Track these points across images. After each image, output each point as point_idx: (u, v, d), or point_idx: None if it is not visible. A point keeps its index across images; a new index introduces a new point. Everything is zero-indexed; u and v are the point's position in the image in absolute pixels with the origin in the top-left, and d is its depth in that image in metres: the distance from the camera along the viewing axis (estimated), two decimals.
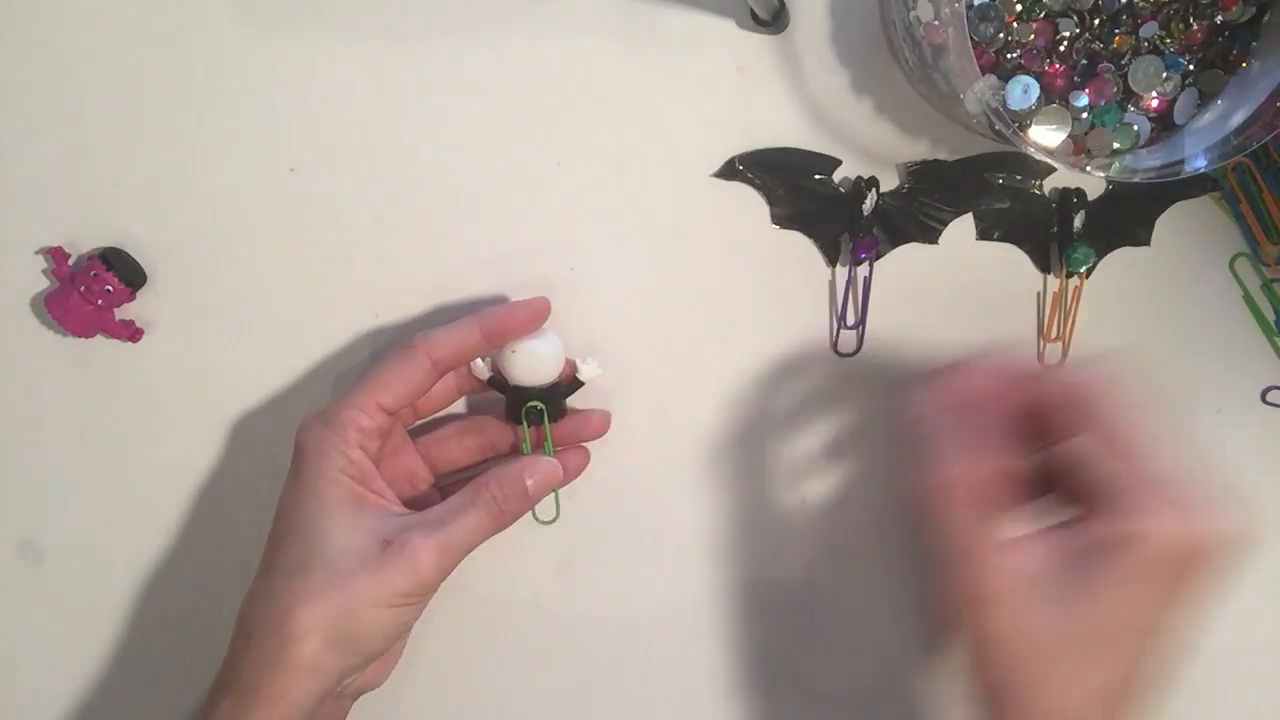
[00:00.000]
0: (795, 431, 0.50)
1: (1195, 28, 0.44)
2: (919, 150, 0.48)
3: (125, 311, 0.49)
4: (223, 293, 0.49)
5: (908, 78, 0.47)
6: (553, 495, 0.47)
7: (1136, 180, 0.43)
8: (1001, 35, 0.44)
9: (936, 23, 0.42)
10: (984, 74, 0.44)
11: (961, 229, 0.49)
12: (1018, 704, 0.36)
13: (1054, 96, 0.44)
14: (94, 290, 0.47)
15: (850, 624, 0.51)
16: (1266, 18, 0.44)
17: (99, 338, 0.49)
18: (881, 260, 0.49)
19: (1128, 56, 0.44)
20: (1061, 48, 0.44)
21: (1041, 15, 0.44)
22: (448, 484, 0.48)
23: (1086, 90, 0.44)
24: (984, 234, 0.49)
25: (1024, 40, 0.44)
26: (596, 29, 0.48)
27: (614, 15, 0.48)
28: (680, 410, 0.50)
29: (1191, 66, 0.45)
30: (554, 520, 0.48)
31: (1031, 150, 0.41)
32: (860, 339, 0.49)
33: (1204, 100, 0.45)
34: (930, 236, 0.49)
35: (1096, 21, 0.44)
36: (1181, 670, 0.38)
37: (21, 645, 0.51)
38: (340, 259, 0.49)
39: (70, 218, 0.49)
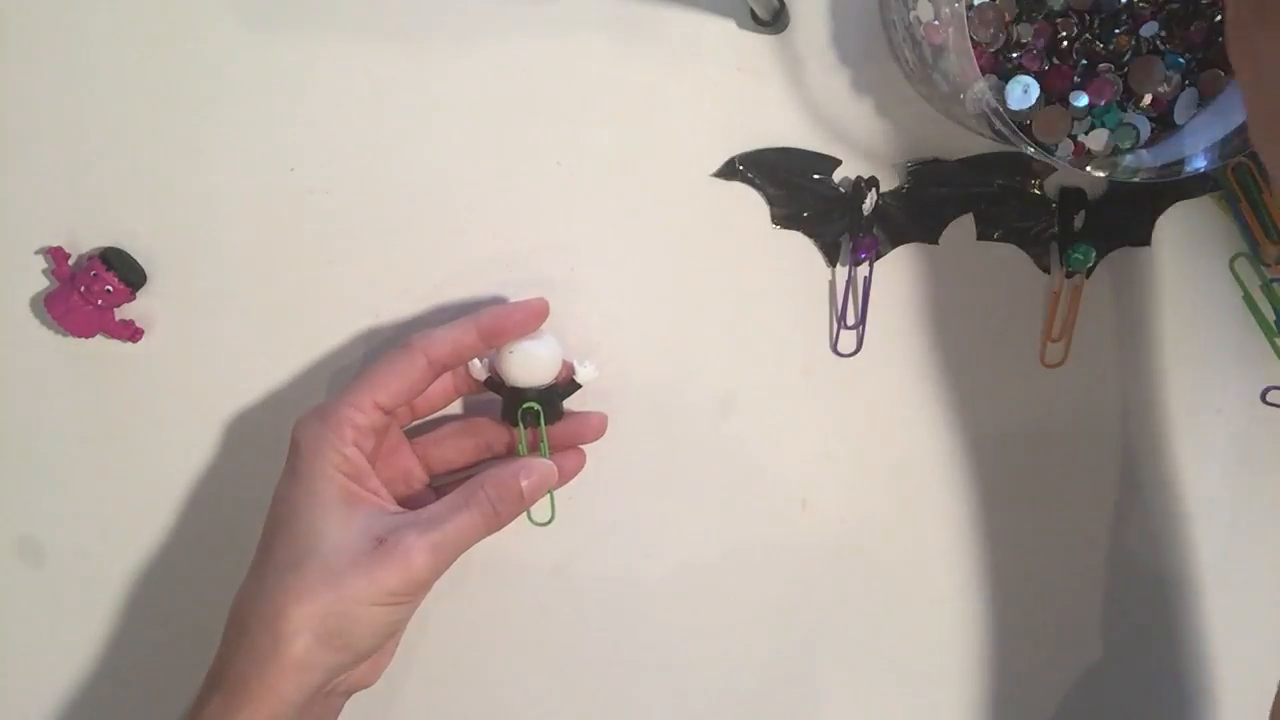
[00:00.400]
0: (795, 432, 0.50)
1: (1195, 28, 0.44)
2: (919, 150, 0.48)
3: (125, 311, 0.49)
4: (223, 293, 0.49)
5: (908, 78, 0.47)
6: (548, 497, 0.46)
7: (1136, 180, 0.43)
8: (1001, 35, 0.44)
9: (936, 23, 0.42)
10: (984, 74, 0.44)
11: (961, 229, 0.49)
12: None
13: (1054, 97, 0.44)
14: (94, 290, 0.47)
15: (849, 637, 0.51)
16: None
17: (99, 338, 0.49)
18: (881, 260, 0.49)
19: (1128, 55, 0.44)
20: (1061, 46, 0.44)
21: (1041, 15, 0.44)
22: (443, 484, 0.48)
23: (1087, 90, 0.44)
24: (984, 234, 0.49)
25: (1024, 40, 0.44)
26: (596, 29, 0.48)
27: (614, 15, 0.48)
28: (680, 411, 0.50)
29: (1192, 67, 0.45)
30: (549, 522, 0.48)
31: (1031, 150, 0.41)
32: (860, 339, 0.49)
33: (1204, 100, 0.45)
34: (930, 236, 0.49)
35: (1096, 22, 0.44)
36: None
37: (21, 644, 0.52)
38: (340, 259, 0.49)
39: (70, 218, 0.49)
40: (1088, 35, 0.44)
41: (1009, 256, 0.49)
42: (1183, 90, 0.45)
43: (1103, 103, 0.45)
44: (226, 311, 0.49)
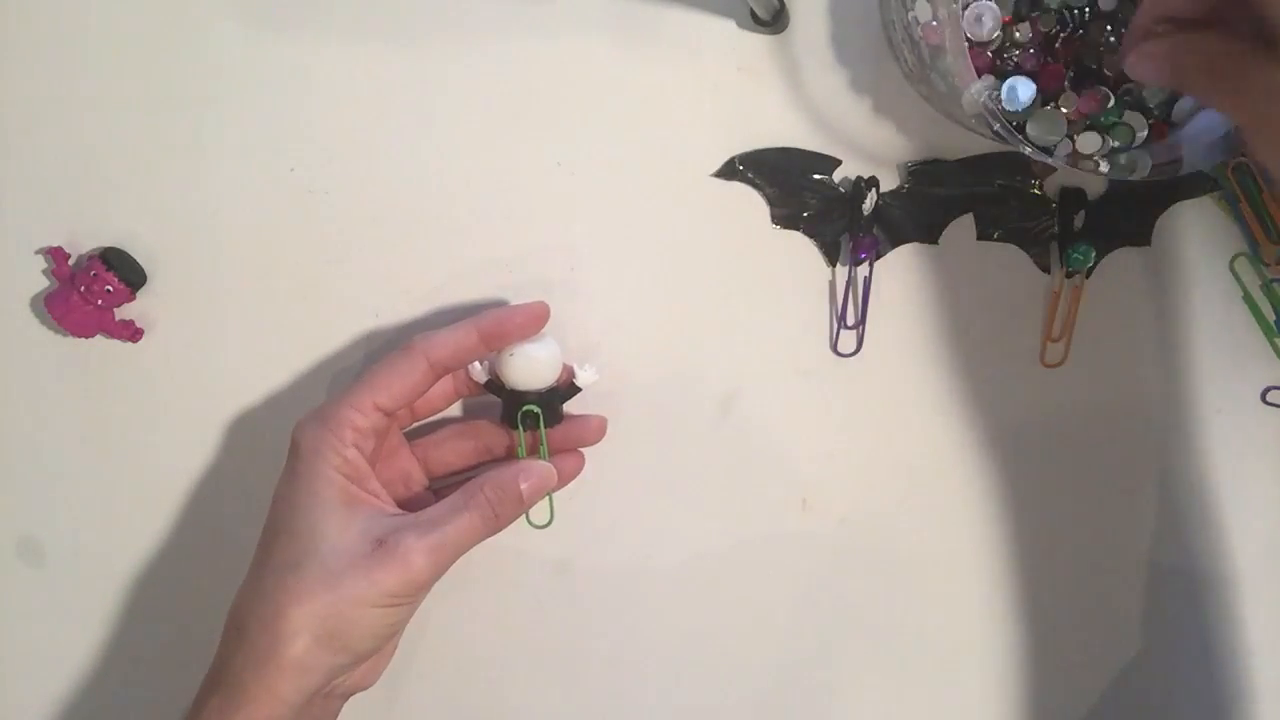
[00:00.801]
0: (795, 432, 0.50)
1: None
2: (919, 150, 0.48)
3: (125, 311, 0.49)
4: (223, 293, 0.49)
5: (907, 78, 0.47)
6: (547, 499, 0.46)
7: (1135, 179, 0.43)
8: (999, 36, 0.44)
9: (934, 24, 0.42)
10: (981, 75, 0.44)
11: (961, 229, 0.49)
12: None
13: (1051, 96, 0.44)
14: (94, 290, 0.47)
15: (849, 636, 0.51)
16: None
17: (99, 338, 0.49)
18: (881, 260, 0.49)
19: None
20: (1055, 46, 0.44)
21: (1040, 14, 0.44)
22: (443, 487, 0.48)
23: (1078, 103, 0.44)
24: (984, 234, 0.49)
25: (1022, 40, 0.44)
26: (596, 29, 0.48)
27: (614, 15, 0.48)
28: (680, 411, 0.50)
29: None
30: (548, 524, 0.48)
31: (1030, 151, 0.41)
32: (860, 339, 0.49)
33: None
34: (930, 236, 0.49)
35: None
36: None
37: (21, 644, 0.52)
38: (340, 259, 0.49)
39: (70, 218, 0.49)
40: (1080, 32, 0.44)
41: (1009, 256, 0.49)
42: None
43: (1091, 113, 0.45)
44: (226, 311, 0.49)
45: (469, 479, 0.45)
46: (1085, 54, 0.44)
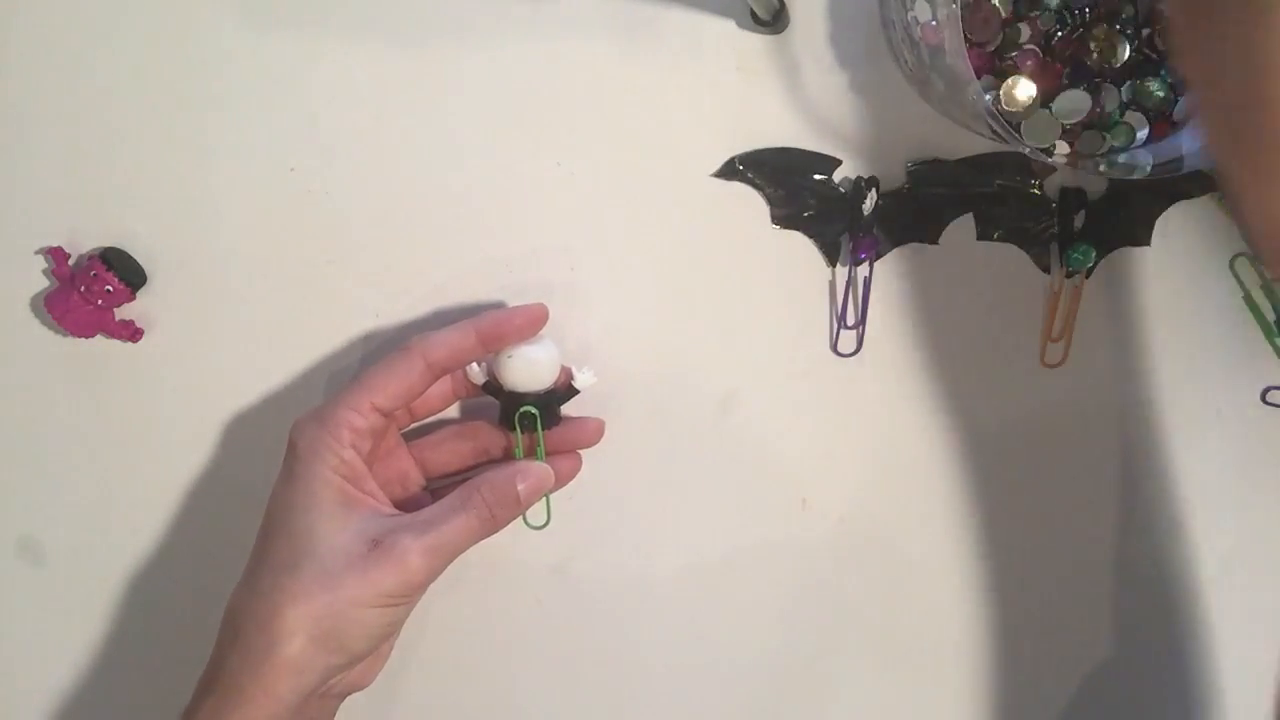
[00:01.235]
0: (795, 432, 0.50)
1: None
2: (919, 150, 0.48)
3: (125, 311, 0.49)
4: (223, 293, 0.49)
5: (907, 78, 0.47)
6: (544, 500, 0.46)
7: (1135, 179, 0.43)
8: (998, 35, 0.44)
9: (934, 24, 0.42)
10: (980, 75, 0.44)
11: (961, 229, 0.49)
12: None
13: (1047, 97, 0.44)
14: (94, 290, 0.47)
15: (849, 636, 0.51)
16: None
17: (99, 338, 0.49)
18: (881, 260, 0.49)
19: (1118, 51, 0.44)
20: (1052, 45, 0.44)
21: (1038, 13, 0.44)
22: (440, 488, 0.48)
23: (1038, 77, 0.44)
24: (984, 234, 0.49)
25: (1021, 40, 0.44)
26: (596, 29, 0.48)
27: (614, 16, 0.48)
28: (679, 411, 0.50)
29: None
30: (545, 525, 0.48)
31: (1030, 151, 0.41)
32: (860, 339, 0.49)
33: None
34: (930, 236, 0.49)
35: (1087, 17, 0.44)
36: None
37: (21, 645, 0.52)
38: (340, 259, 0.49)
39: (70, 218, 0.49)
40: (1080, 32, 0.44)
41: (1009, 256, 0.49)
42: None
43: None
44: (226, 311, 0.49)
45: (466, 480, 0.45)
46: (1084, 54, 0.44)
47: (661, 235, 0.49)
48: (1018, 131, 0.43)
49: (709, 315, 0.49)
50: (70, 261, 0.49)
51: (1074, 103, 0.44)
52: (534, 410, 0.46)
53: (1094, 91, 0.44)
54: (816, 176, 0.48)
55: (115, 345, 0.49)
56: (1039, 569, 0.51)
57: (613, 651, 0.51)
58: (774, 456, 0.50)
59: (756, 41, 0.48)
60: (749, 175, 0.48)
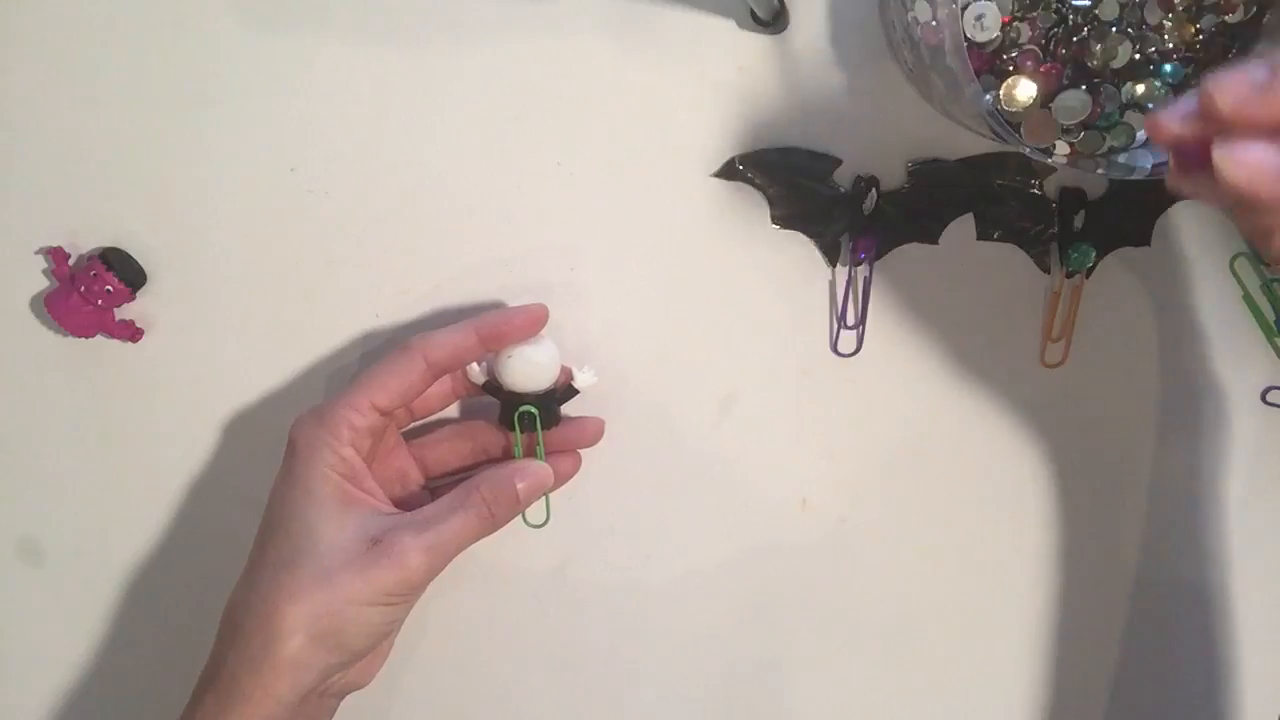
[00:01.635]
0: (795, 432, 0.50)
1: (1197, 29, 0.44)
2: (919, 150, 0.48)
3: (125, 311, 0.49)
4: (223, 293, 0.49)
5: (907, 78, 0.47)
6: (544, 499, 0.47)
7: (1135, 179, 0.43)
8: (998, 36, 0.44)
9: (934, 24, 0.42)
10: (980, 75, 0.44)
11: (961, 229, 0.49)
12: None
13: (1046, 98, 0.44)
14: (94, 290, 0.47)
15: (849, 637, 0.51)
16: (1266, 17, 0.44)
17: (99, 338, 0.49)
18: (881, 260, 0.49)
19: (1116, 52, 0.44)
20: (1051, 44, 0.44)
21: (1037, 14, 0.44)
22: (439, 487, 0.48)
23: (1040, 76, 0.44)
24: (984, 234, 0.49)
25: (1021, 40, 0.44)
26: (596, 29, 0.48)
27: (614, 15, 0.48)
28: (679, 411, 0.50)
29: (1190, 70, 0.45)
30: (544, 524, 0.48)
31: (1029, 150, 0.41)
32: (860, 339, 0.49)
33: None
34: (930, 236, 0.49)
35: (1088, 18, 0.44)
36: None
37: (21, 644, 0.52)
38: (340, 259, 0.49)
39: (70, 218, 0.49)
40: (1082, 34, 0.44)
41: (1009, 256, 0.49)
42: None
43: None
44: (226, 311, 0.49)
45: (466, 479, 0.45)
46: (1084, 54, 0.44)
47: (661, 235, 0.49)
48: (1018, 131, 0.43)
49: (709, 315, 0.49)
50: (70, 261, 0.49)
51: (1074, 103, 0.44)
52: (533, 410, 0.46)
53: (1094, 91, 0.44)
54: (817, 176, 0.48)
55: (115, 345, 0.49)
56: (1039, 569, 0.51)
57: (612, 651, 0.51)
58: (774, 456, 0.50)
59: (756, 41, 0.48)
60: (749, 175, 0.48)
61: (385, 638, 0.45)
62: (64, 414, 0.50)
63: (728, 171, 0.48)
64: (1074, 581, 0.51)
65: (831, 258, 0.49)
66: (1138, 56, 0.44)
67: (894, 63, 0.48)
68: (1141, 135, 0.44)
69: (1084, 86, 0.44)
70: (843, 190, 0.48)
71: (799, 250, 0.49)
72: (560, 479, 0.47)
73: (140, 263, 0.49)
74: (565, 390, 0.47)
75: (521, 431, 0.46)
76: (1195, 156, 0.30)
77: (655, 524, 0.51)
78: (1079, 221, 0.48)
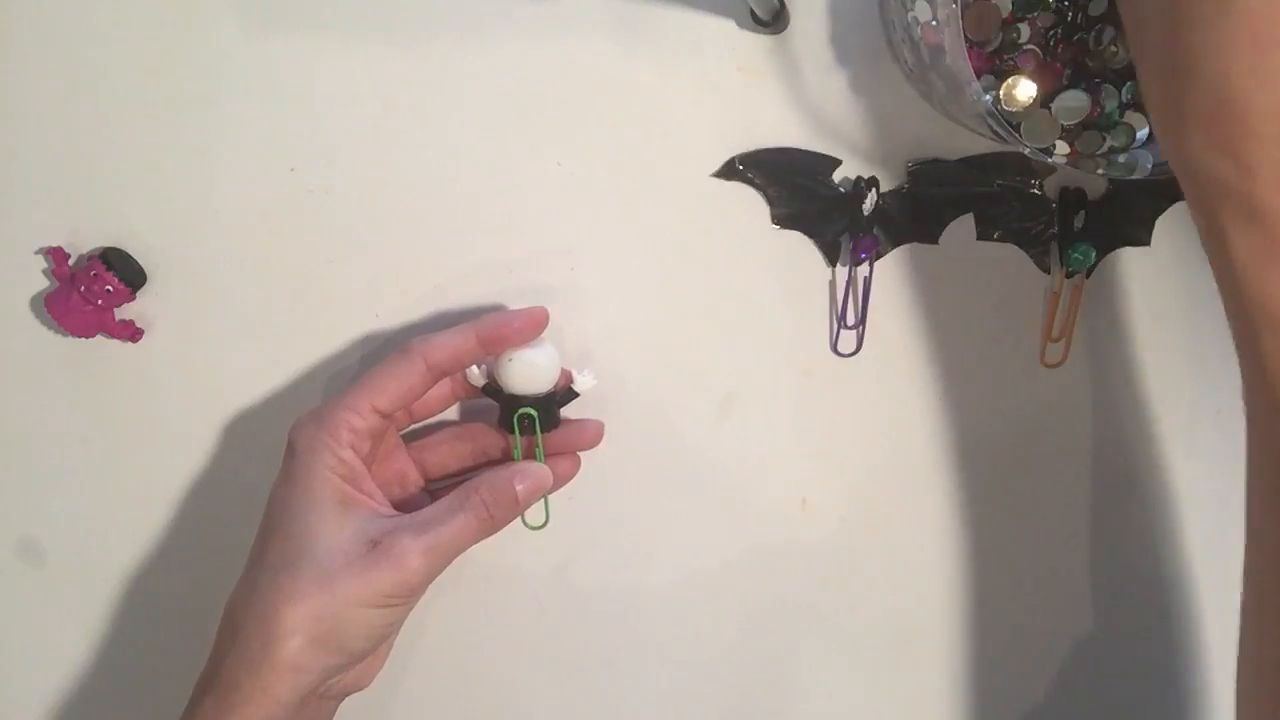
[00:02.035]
0: (795, 432, 0.50)
1: None
2: (919, 150, 0.48)
3: (125, 311, 0.49)
4: (223, 293, 0.49)
5: (907, 78, 0.47)
6: (543, 501, 0.46)
7: (1135, 179, 0.43)
8: (998, 36, 0.44)
9: (934, 24, 0.42)
10: (980, 75, 0.44)
11: (961, 229, 0.49)
12: None
13: (1051, 96, 0.44)
14: (94, 290, 0.47)
15: (849, 637, 0.51)
16: None
17: (99, 338, 0.49)
18: (881, 260, 0.49)
19: (1115, 47, 0.44)
20: (1050, 44, 0.44)
21: (1037, 14, 0.44)
22: (439, 489, 0.48)
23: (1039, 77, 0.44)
24: (984, 234, 0.49)
25: (1021, 40, 0.44)
26: (596, 29, 0.48)
27: (614, 15, 0.48)
28: (679, 411, 0.50)
29: None
30: (543, 526, 0.48)
31: (1029, 151, 0.41)
32: (860, 339, 0.49)
33: None
34: (930, 236, 0.49)
35: (1083, 19, 0.44)
36: None
37: (21, 644, 0.52)
38: (340, 260, 0.49)
39: (70, 218, 0.49)
40: (1081, 34, 0.44)
41: (1009, 256, 0.49)
42: None
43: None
44: (226, 311, 0.49)
45: (465, 481, 0.45)
46: (1084, 54, 0.44)
47: (661, 235, 0.49)
48: (1018, 131, 0.43)
49: (709, 315, 0.49)
50: (70, 261, 0.48)
51: (1074, 103, 0.44)
52: (533, 411, 0.46)
53: (1094, 91, 0.44)
54: (816, 176, 0.48)
55: (115, 345, 0.49)
56: (1039, 569, 0.51)
57: (612, 652, 0.51)
58: (774, 456, 0.50)
59: (756, 41, 0.48)
60: (749, 175, 0.48)
61: (385, 639, 0.45)
62: (64, 414, 0.50)
63: (728, 171, 0.48)
64: (1074, 581, 0.51)
65: (831, 258, 0.49)
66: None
67: (894, 63, 0.48)
68: (1142, 135, 0.44)
69: (1084, 86, 0.44)
70: (843, 190, 0.48)
71: (799, 250, 0.49)
72: (559, 481, 0.47)
73: (140, 263, 0.49)
74: (565, 393, 0.47)
75: (521, 434, 0.46)
76: None
77: (655, 525, 0.51)
78: (1079, 221, 0.48)
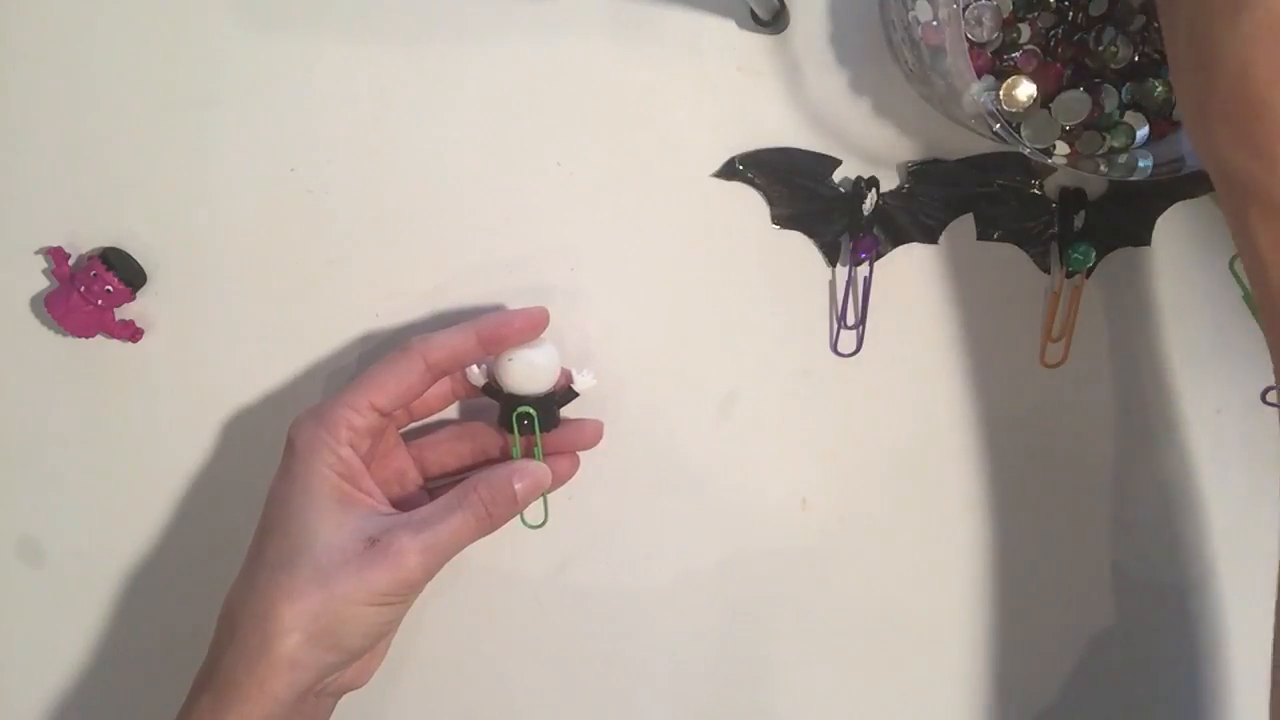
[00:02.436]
0: (795, 432, 0.50)
1: None
2: (919, 150, 0.48)
3: (125, 311, 0.49)
4: (223, 293, 0.49)
5: (907, 78, 0.47)
6: (542, 500, 0.46)
7: (1135, 179, 0.43)
8: (998, 36, 0.44)
9: (934, 24, 0.42)
10: (981, 75, 0.44)
11: (961, 229, 0.49)
12: None
13: (1051, 96, 0.44)
14: (94, 290, 0.47)
15: (849, 637, 0.51)
16: None
17: (99, 338, 0.49)
18: (881, 260, 0.49)
19: (1115, 47, 0.44)
20: (1050, 44, 0.44)
21: (1037, 14, 0.44)
22: (438, 487, 0.48)
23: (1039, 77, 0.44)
24: (984, 234, 0.49)
25: (1021, 41, 0.44)
26: (596, 29, 0.48)
27: (614, 16, 0.48)
28: (679, 411, 0.50)
29: None
30: (542, 525, 0.48)
31: (1029, 151, 0.41)
32: (860, 339, 0.49)
33: None
34: (930, 236, 0.49)
35: (1082, 19, 0.44)
36: None
37: (21, 644, 0.52)
38: (340, 259, 0.49)
39: (70, 218, 0.49)
40: (1082, 34, 0.44)
41: (1009, 256, 0.49)
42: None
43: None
44: (226, 311, 0.49)
45: (464, 479, 0.45)
46: (1084, 54, 0.44)
47: (661, 235, 0.49)
48: (1018, 131, 0.43)
49: (709, 315, 0.49)
50: (70, 261, 0.49)
51: (1074, 103, 0.44)
52: (532, 410, 0.46)
53: (1094, 91, 0.44)
54: (816, 176, 0.48)
55: (115, 345, 0.49)
56: (1039, 569, 0.51)
57: (611, 652, 0.51)
58: (774, 457, 0.50)
59: (756, 41, 0.48)
60: (749, 175, 0.48)
61: (383, 637, 0.45)
62: (64, 414, 0.50)
63: (728, 171, 0.48)
64: (1073, 581, 0.51)
65: (831, 258, 0.49)
66: (1137, 57, 0.44)
67: (894, 63, 0.48)
68: (1142, 135, 0.44)
69: (1084, 86, 0.44)
70: (843, 190, 0.48)
71: (799, 250, 0.49)
72: (558, 480, 0.47)
73: (140, 263, 0.49)
74: (565, 393, 0.47)
75: (520, 433, 0.46)
76: None
77: (654, 524, 0.51)
78: (1079, 221, 0.48)
